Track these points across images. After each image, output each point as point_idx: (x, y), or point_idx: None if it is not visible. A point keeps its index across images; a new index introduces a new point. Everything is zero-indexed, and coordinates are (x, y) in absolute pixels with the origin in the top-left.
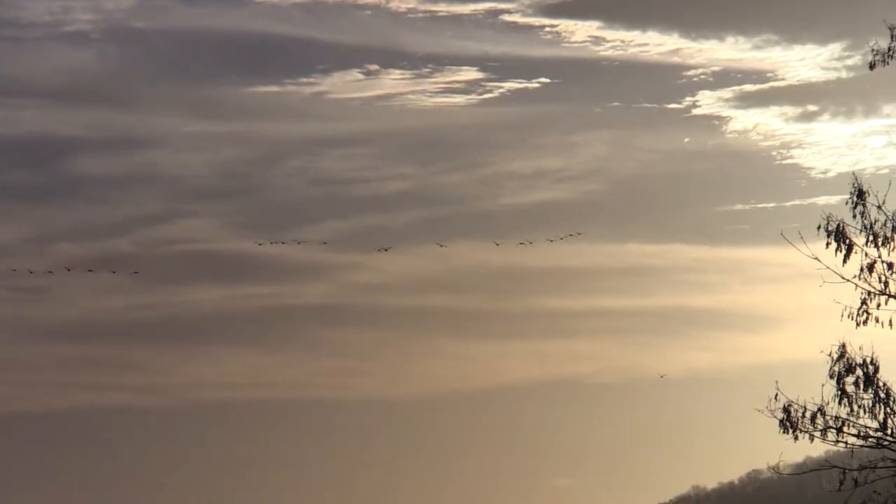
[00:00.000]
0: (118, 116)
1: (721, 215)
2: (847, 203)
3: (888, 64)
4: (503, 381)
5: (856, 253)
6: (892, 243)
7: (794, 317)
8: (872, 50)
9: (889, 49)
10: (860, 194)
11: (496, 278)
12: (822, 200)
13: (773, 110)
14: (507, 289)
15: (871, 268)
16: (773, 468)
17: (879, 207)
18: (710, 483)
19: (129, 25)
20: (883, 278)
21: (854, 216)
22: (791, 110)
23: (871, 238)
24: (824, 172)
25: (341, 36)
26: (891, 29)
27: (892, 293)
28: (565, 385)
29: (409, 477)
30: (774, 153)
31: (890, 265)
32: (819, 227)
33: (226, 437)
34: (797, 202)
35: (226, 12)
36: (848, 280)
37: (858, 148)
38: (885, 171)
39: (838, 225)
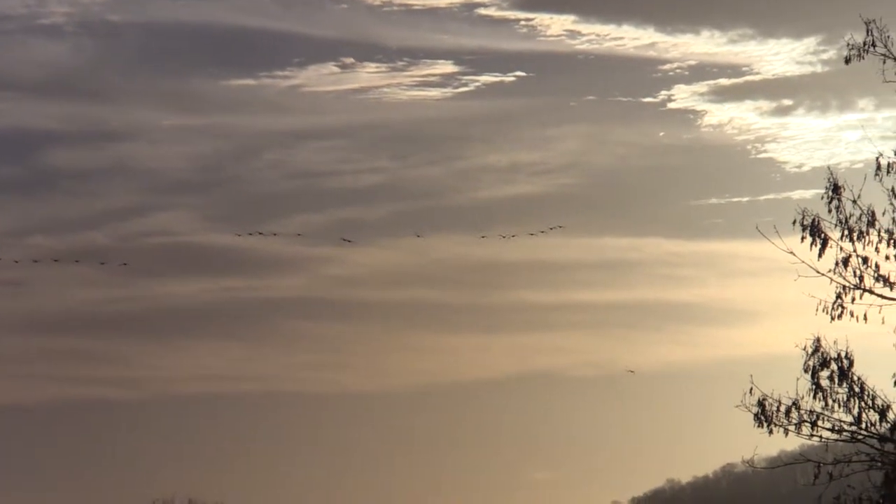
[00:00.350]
0: (94, 109)
1: (696, 209)
2: (822, 197)
3: (864, 58)
4: (481, 375)
5: (831, 247)
6: (867, 238)
7: (768, 311)
8: (848, 44)
9: (864, 43)
10: (835, 189)
11: (473, 272)
12: (797, 195)
13: (748, 104)
14: (484, 282)
15: (846, 262)
16: (748, 462)
17: (854, 202)
18: (685, 477)
19: (105, 18)
20: (858, 273)
21: (829, 210)
22: (766, 104)
23: (846, 232)
24: (799, 167)
25: (317, 29)
26: (867, 23)
27: (867, 287)
28: (542, 378)
29: (387, 470)
30: (749, 147)
31: (865, 259)
32: (794, 222)
33: (204, 430)
34: (772, 196)
35: (201, 5)
36: (823, 274)
37: (833, 142)
38: (860, 165)
39: (813, 219)
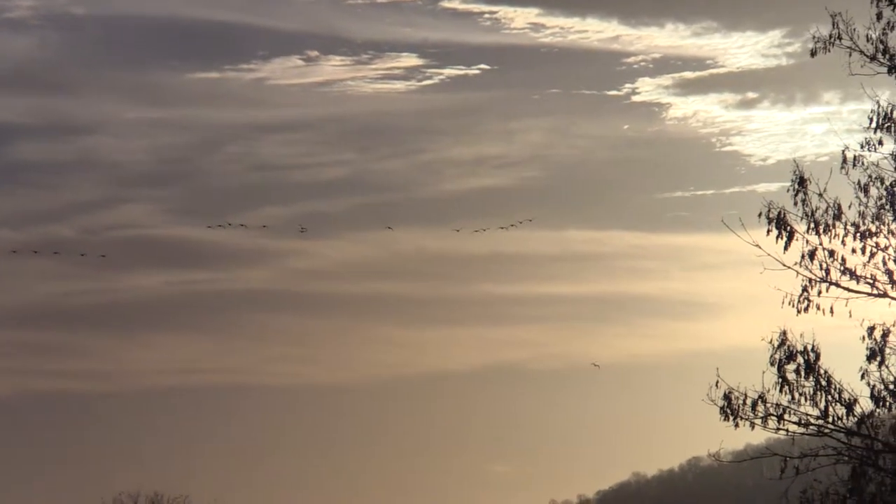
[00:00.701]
0: (58, 103)
1: (661, 202)
2: (788, 190)
3: (829, 51)
4: (444, 368)
5: (797, 240)
6: (833, 231)
7: (733, 304)
8: (814, 37)
9: (830, 36)
10: (801, 182)
11: (437, 265)
12: (762, 188)
13: (713, 97)
14: (448, 275)
15: (812, 255)
16: (714, 456)
17: (821, 195)
18: (651, 470)
19: (69, 12)
20: (824, 265)
21: (795, 203)
22: (731, 97)
23: (812, 225)
24: (764, 160)
25: (281, 22)
26: (832, 16)
27: (834, 281)
28: (507, 372)
29: (350, 462)
30: (714, 140)
31: (831, 253)
32: (760, 215)
33: (169, 423)
34: (737, 189)
35: None
36: (789, 267)
37: (798, 135)
38: (825, 158)
39: (779, 212)
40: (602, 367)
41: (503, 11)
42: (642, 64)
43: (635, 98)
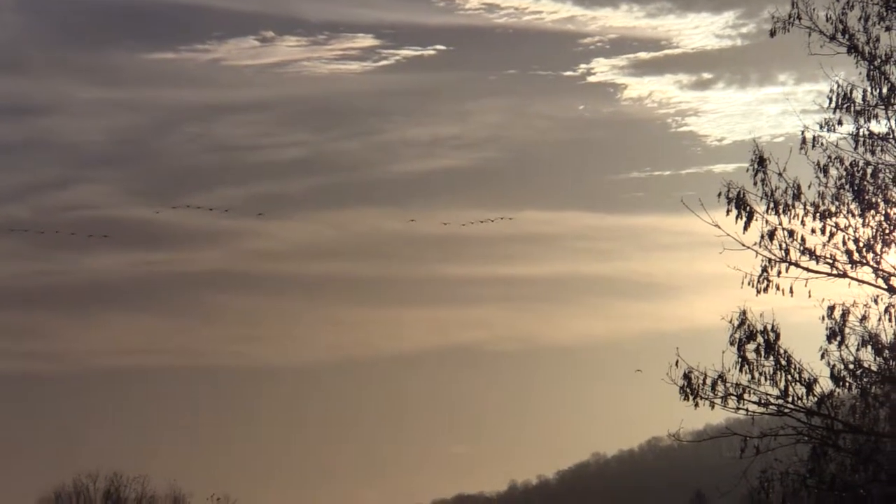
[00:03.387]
0: (13, 83)
1: (617, 183)
2: (747, 170)
3: (789, 31)
4: (399, 349)
5: (756, 220)
6: (792, 211)
7: (691, 285)
8: (773, 17)
9: (790, 16)
10: (761, 161)
11: (392, 245)
12: (719, 168)
13: (668, 78)
14: (402, 256)
15: (771, 235)
16: (674, 435)
17: (780, 175)
18: (611, 450)
19: None
20: (784, 246)
21: (755, 183)
22: (686, 78)
23: (771, 205)
24: (720, 140)
25: (236, 3)
26: None
27: (793, 261)
28: (462, 353)
29: (303, 444)
30: (670, 121)
31: (791, 233)
32: (720, 195)
33: (126, 403)
34: (693, 170)
35: None
36: (748, 247)
37: (754, 116)
38: (781, 139)
39: (739, 192)
40: (558, 347)
41: None
42: (598, 44)
43: (591, 79)
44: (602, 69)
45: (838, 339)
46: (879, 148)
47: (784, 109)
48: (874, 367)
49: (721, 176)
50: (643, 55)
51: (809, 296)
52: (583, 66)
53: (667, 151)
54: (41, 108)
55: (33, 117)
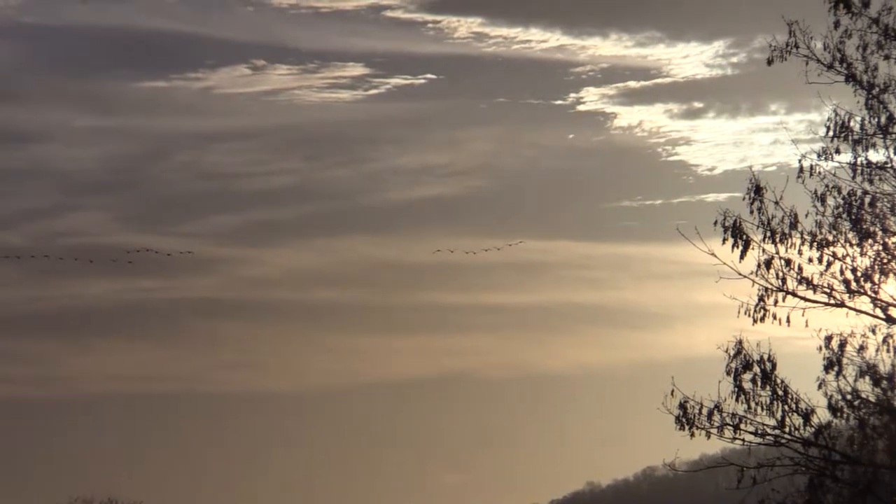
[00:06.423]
0: (7, 111)
1: (608, 212)
2: (744, 199)
3: (786, 59)
4: (391, 376)
5: (753, 249)
6: (789, 240)
7: (684, 314)
8: (770, 45)
9: (787, 45)
10: (757, 190)
11: (383, 273)
12: (711, 197)
13: (659, 107)
14: (394, 283)
15: (768, 264)
16: (669, 465)
17: (777, 203)
18: (605, 480)
19: (19, 21)
20: (780, 275)
21: (751, 212)
22: (676, 107)
23: (768, 234)
24: (711, 169)
25: (228, 32)
26: (789, 24)
27: (790, 290)
28: (456, 380)
29: (298, 471)
30: (660, 150)
31: (788, 262)
32: (715, 223)
33: (120, 430)
34: (685, 199)
35: (114, 8)
36: (745, 276)
37: (745, 145)
38: (773, 167)
39: (735, 220)
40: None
41: (446, 21)
42: (589, 74)
43: (581, 107)
44: (592, 98)
45: (836, 369)
46: (878, 177)
47: (776, 139)
48: (872, 398)
49: (714, 205)
50: (633, 84)
51: (807, 325)
52: (573, 94)
53: (658, 180)
54: (35, 136)
55: (27, 145)
